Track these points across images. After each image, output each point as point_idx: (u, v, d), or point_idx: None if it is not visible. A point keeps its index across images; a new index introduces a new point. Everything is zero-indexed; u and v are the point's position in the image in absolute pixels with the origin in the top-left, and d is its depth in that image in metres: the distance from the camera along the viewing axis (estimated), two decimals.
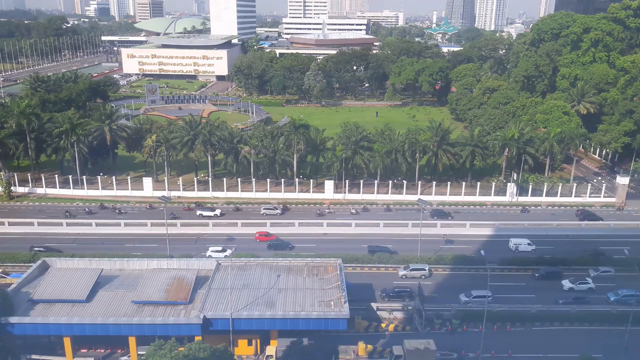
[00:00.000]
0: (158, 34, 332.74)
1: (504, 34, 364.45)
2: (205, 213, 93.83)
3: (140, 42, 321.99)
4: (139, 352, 55.49)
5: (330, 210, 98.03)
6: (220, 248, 78.20)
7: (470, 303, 66.00)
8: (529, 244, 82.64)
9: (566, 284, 71.41)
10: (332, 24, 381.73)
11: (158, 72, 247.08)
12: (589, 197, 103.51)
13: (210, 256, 75.43)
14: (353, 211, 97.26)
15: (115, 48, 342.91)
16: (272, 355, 55.22)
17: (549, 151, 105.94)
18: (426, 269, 73.66)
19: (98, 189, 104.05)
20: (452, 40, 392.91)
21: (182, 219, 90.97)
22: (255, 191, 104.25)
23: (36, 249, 78.91)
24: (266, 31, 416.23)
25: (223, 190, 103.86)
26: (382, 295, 68.29)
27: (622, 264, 75.53)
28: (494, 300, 65.53)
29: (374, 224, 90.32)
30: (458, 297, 67.75)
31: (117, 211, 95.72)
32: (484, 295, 66.07)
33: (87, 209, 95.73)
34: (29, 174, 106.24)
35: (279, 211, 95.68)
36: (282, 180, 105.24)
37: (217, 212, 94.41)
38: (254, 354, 58.11)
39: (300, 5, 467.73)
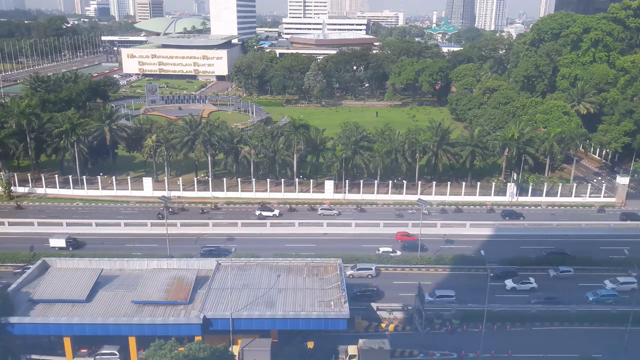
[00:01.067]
0: (158, 34, 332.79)
1: (504, 34, 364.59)
2: (265, 213, 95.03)
3: (140, 42, 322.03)
4: (106, 351, 55.94)
5: (412, 210, 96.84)
6: (387, 248, 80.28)
7: (433, 303, 65.52)
8: None
9: (509, 283, 71.44)
10: (332, 24, 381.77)
11: (158, 72, 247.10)
12: (589, 197, 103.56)
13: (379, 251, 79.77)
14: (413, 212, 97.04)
15: (115, 48, 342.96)
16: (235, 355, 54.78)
17: (549, 151, 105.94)
18: (373, 268, 73.79)
19: (98, 189, 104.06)
20: (452, 40, 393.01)
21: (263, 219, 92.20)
22: (255, 191, 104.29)
23: (205, 250, 78.05)
24: (266, 31, 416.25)
25: (223, 190, 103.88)
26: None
27: (622, 264, 75.83)
28: (457, 300, 66.03)
29: (374, 224, 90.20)
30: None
31: (200, 211, 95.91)
32: (448, 295, 66.68)
33: (171, 209, 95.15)
34: (29, 174, 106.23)
35: (335, 211, 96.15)
36: (282, 180, 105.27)
37: (276, 212, 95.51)
38: None
39: (300, 5, 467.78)
